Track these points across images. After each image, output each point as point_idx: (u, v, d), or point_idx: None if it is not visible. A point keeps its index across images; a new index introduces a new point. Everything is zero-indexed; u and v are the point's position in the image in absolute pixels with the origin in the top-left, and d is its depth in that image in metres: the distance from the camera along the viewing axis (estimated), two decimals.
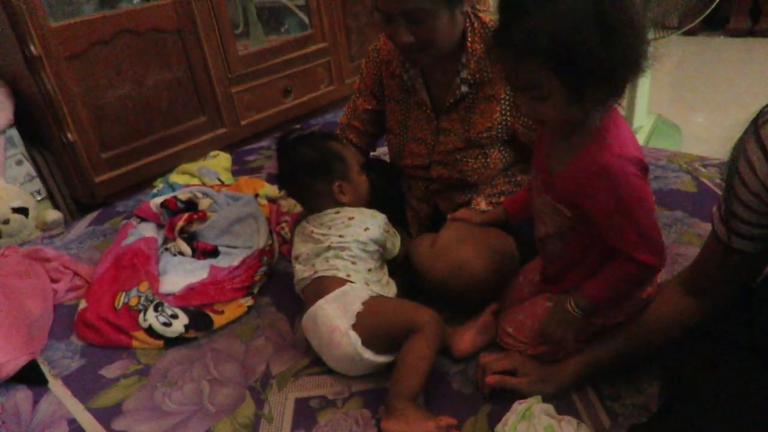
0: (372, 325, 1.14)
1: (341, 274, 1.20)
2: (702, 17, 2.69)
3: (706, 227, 1.42)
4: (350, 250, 1.22)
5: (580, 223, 1.00)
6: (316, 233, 1.25)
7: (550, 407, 1.02)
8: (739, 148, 0.80)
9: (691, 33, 3.14)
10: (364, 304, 1.16)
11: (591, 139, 0.92)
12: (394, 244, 1.30)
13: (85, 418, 1.20)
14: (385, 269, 1.30)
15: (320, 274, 1.21)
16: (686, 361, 0.89)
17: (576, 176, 0.94)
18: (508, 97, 1.30)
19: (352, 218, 1.25)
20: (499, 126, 1.31)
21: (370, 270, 1.24)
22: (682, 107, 2.60)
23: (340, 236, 1.23)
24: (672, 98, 2.80)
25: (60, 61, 1.88)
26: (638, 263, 0.94)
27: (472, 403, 1.11)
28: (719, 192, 0.95)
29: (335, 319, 1.15)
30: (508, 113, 1.31)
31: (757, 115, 0.77)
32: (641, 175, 0.90)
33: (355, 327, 1.14)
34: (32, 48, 1.81)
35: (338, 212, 1.27)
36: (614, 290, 0.99)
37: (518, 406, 1.02)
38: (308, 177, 1.27)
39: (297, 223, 1.36)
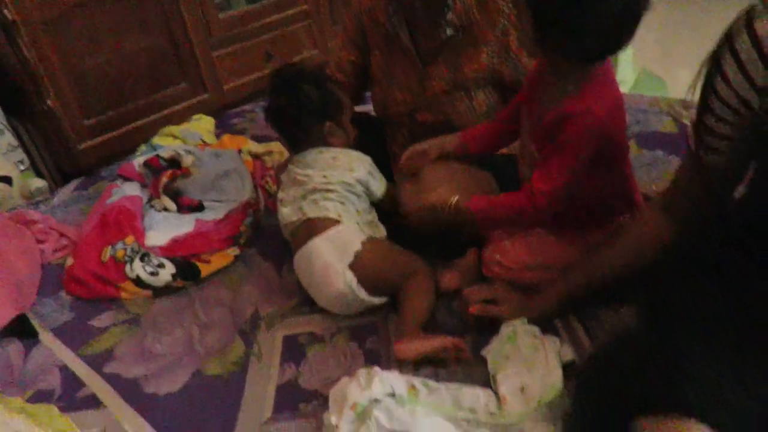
0: (369, 267, 1.15)
1: (332, 215, 1.20)
2: None
3: None
4: (337, 191, 1.22)
5: None
6: (300, 175, 1.25)
7: (535, 329, 1.04)
8: (720, 53, 0.80)
9: None
10: (362, 244, 1.17)
11: (572, 91, 0.98)
12: (379, 186, 1.30)
13: (77, 365, 1.21)
14: (374, 212, 1.31)
15: (309, 215, 1.21)
16: (662, 281, 0.91)
17: (549, 121, 1.00)
18: (495, 41, 1.30)
19: (336, 158, 1.25)
20: (486, 69, 1.31)
21: (359, 211, 1.25)
22: (667, 61, 2.60)
23: (324, 176, 1.23)
24: (658, 53, 2.80)
25: (36, 27, 1.85)
26: (529, 195, 1.03)
27: (456, 333, 1.13)
28: None
29: (331, 257, 1.16)
30: (495, 57, 1.30)
31: (748, 10, 0.76)
32: (596, 134, 0.98)
33: (351, 266, 1.15)
34: (6, 13, 1.79)
35: (321, 152, 1.26)
36: (493, 212, 1.10)
37: (505, 329, 1.05)
38: (302, 114, 1.24)
39: (282, 168, 1.36)
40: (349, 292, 1.15)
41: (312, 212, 1.21)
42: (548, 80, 1.05)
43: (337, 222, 1.19)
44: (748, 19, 0.73)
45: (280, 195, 1.30)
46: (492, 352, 1.03)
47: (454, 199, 1.12)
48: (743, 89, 0.76)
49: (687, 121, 1.77)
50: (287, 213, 1.26)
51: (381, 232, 1.28)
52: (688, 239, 0.93)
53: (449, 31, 1.29)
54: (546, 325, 1.08)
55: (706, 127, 0.85)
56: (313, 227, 1.20)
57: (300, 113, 1.24)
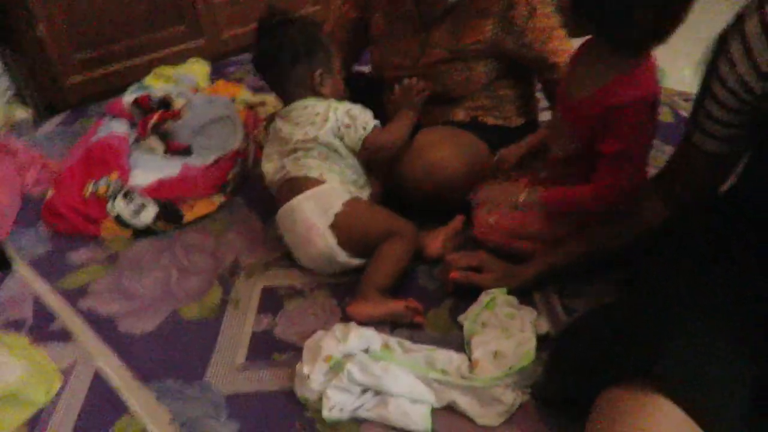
0: (350, 227, 1.14)
1: (314, 174, 1.18)
2: None
3: None
4: (318, 148, 1.19)
5: (587, 150, 1.03)
6: (284, 131, 1.21)
7: (513, 299, 1.05)
8: (719, 49, 0.79)
9: None
10: (344, 205, 1.15)
11: (618, 73, 0.95)
12: (353, 140, 1.19)
13: (51, 298, 1.20)
14: (362, 170, 1.27)
15: (293, 174, 1.19)
16: (652, 261, 0.91)
17: (600, 105, 0.97)
18: (500, 13, 1.27)
19: (318, 114, 1.20)
20: (490, 41, 1.28)
21: (342, 170, 1.22)
22: (668, 52, 2.57)
23: (305, 133, 1.18)
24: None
25: None
26: (606, 188, 1.01)
27: (436, 297, 1.13)
28: None
29: (313, 217, 1.14)
30: (499, 28, 1.27)
31: (739, 12, 0.75)
32: (652, 118, 0.98)
33: (332, 227, 1.14)
34: None
35: (306, 107, 1.21)
36: (567, 205, 1.07)
37: (484, 297, 1.05)
38: (290, 60, 1.19)
39: (270, 121, 1.33)
40: (329, 252, 1.14)
41: (294, 170, 1.19)
42: (587, 62, 1.03)
43: (319, 181, 1.17)
44: (760, 5, 0.72)
45: (266, 150, 1.27)
46: (469, 317, 1.04)
47: (522, 195, 1.11)
48: (747, 73, 0.75)
49: (684, 112, 1.77)
50: (270, 169, 1.24)
51: (366, 192, 1.25)
52: (679, 224, 0.94)
53: None
54: (525, 298, 1.08)
55: (705, 110, 0.84)
56: (295, 185, 1.18)
57: (282, 57, 1.19)
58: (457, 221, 1.24)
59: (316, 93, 1.22)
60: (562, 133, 1.09)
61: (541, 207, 1.10)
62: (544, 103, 1.55)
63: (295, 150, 1.20)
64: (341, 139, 1.20)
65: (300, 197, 1.16)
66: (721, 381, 0.63)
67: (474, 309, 1.05)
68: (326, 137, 1.18)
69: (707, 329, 0.66)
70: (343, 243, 1.14)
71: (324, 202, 1.15)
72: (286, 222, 1.19)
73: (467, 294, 1.08)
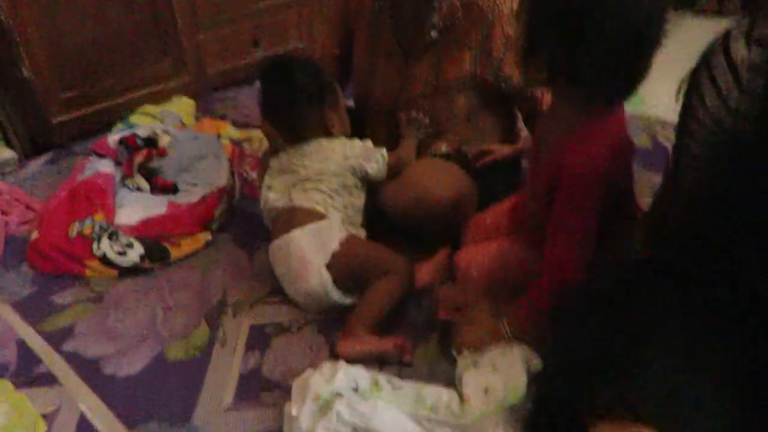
0: (346, 266, 1.14)
1: (319, 208, 1.19)
2: None
3: (658, 179, 1.46)
4: (329, 182, 1.20)
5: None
6: (295, 163, 1.23)
7: None
8: (697, 74, 0.81)
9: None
10: (341, 243, 1.16)
11: (571, 133, 0.90)
12: (377, 168, 1.24)
13: (35, 340, 1.18)
14: (362, 211, 1.27)
15: (297, 204, 1.19)
16: (630, 290, 0.92)
17: (548, 166, 0.95)
18: (478, 46, 1.30)
19: (334, 150, 1.23)
20: (468, 74, 1.31)
21: (346, 207, 1.23)
22: (647, 80, 2.64)
23: (319, 167, 1.21)
24: None
25: None
26: (560, 268, 0.94)
27: (424, 331, 1.14)
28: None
29: (309, 253, 1.14)
30: (478, 62, 1.31)
31: (725, 34, 0.77)
32: (598, 184, 0.89)
33: (328, 266, 1.13)
34: None
35: (321, 143, 1.24)
36: (542, 302, 0.98)
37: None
38: (303, 104, 1.22)
39: (268, 157, 1.33)
40: (322, 291, 1.14)
41: (299, 200, 1.20)
42: (552, 116, 0.99)
43: (321, 216, 1.18)
44: (724, 42, 0.74)
45: (268, 181, 1.27)
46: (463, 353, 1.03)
47: (505, 326, 1.03)
48: (718, 111, 0.77)
49: (662, 139, 1.81)
50: (273, 198, 1.24)
51: (362, 234, 1.26)
52: (665, 258, 0.94)
53: (434, 34, 1.29)
54: None
55: (684, 147, 0.86)
56: (296, 216, 1.18)
57: (297, 102, 1.22)
58: (442, 254, 1.25)
59: (327, 132, 1.25)
60: (534, 189, 1.05)
61: (530, 320, 1.01)
62: (526, 132, 1.58)
63: (305, 181, 1.21)
64: (359, 174, 1.23)
65: (298, 231, 1.16)
66: (700, 407, 0.63)
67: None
68: (342, 172, 1.21)
69: (680, 361, 0.67)
70: (337, 281, 1.14)
71: (322, 239, 1.15)
72: (281, 255, 1.19)
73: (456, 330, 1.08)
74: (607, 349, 0.71)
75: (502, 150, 1.36)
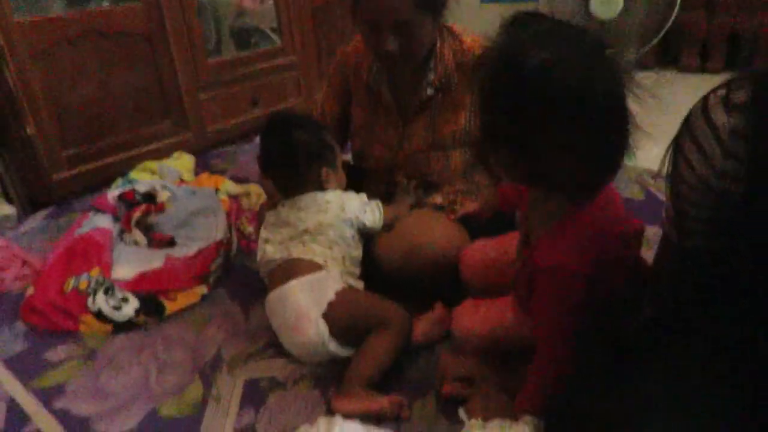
0: (342, 317, 1.13)
1: (318, 260, 1.19)
2: (647, 48, 2.84)
3: (652, 230, 1.48)
4: (327, 234, 1.22)
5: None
6: (293, 217, 1.24)
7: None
8: (681, 139, 0.83)
9: (646, 67, 3.31)
10: (336, 294, 1.15)
11: (552, 228, 0.84)
12: (373, 219, 1.27)
13: (25, 398, 1.16)
14: (359, 263, 1.28)
15: (295, 256, 1.20)
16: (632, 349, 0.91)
17: (527, 265, 0.89)
18: (473, 104, 1.34)
19: (330, 202, 1.25)
20: (464, 131, 1.35)
21: (345, 258, 1.24)
22: (636, 134, 2.70)
23: (317, 220, 1.22)
24: None
25: (24, 57, 1.86)
26: (550, 363, 0.88)
27: (421, 387, 1.12)
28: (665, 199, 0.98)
29: (305, 305, 1.14)
30: (472, 120, 1.35)
31: (705, 98, 0.80)
32: (575, 291, 0.81)
33: (325, 316, 1.13)
34: None
35: (316, 196, 1.26)
36: (544, 389, 0.89)
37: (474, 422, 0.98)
38: (301, 160, 1.24)
39: (265, 209, 1.34)
40: (319, 342, 1.13)
41: (297, 252, 1.20)
42: (532, 203, 0.91)
43: (320, 267, 1.18)
44: (704, 106, 0.76)
45: (265, 235, 1.28)
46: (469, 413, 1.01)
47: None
48: (705, 172, 0.79)
49: (654, 190, 1.84)
50: (271, 251, 1.24)
51: (360, 286, 1.27)
52: (663, 315, 0.93)
53: (429, 91, 1.34)
54: None
55: (680, 213, 0.87)
56: (294, 268, 1.18)
57: (295, 159, 1.25)
58: (438, 310, 1.24)
59: (322, 188, 1.27)
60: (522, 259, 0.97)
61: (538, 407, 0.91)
62: None
63: (303, 234, 1.22)
64: (357, 226, 1.26)
65: (294, 282, 1.16)
66: None
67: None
68: (339, 224, 1.23)
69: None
70: (334, 332, 1.13)
71: (318, 290, 1.15)
72: (277, 306, 1.18)
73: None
74: (612, 401, 0.71)
75: (473, 206, 1.32)
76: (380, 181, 1.48)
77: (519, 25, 0.78)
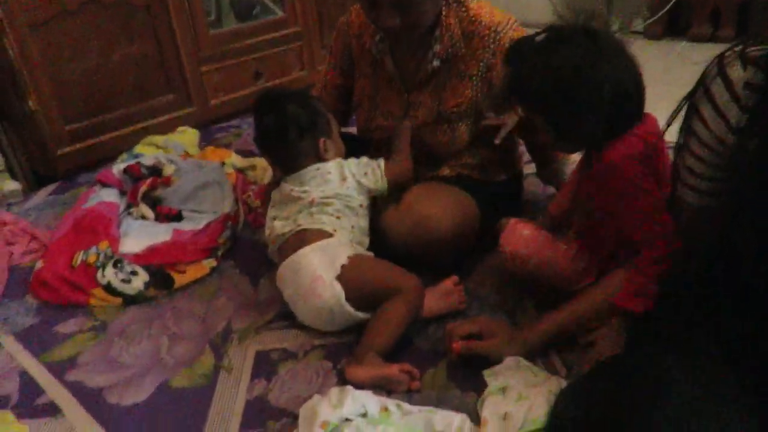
0: (355, 281, 1.13)
1: (327, 228, 1.19)
2: (657, 16, 2.79)
3: None
4: (334, 205, 1.21)
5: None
6: (296, 191, 1.23)
7: (538, 369, 1.02)
8: (696, 96, 0.82)
9: (655, 38, 3.25)
10: (349, 258, 1.15)
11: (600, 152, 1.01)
12: (376, 179, 1.27)
13: (38, 371, 1.17)
14: (367, 232, 1.28)
15: (305, 226, 1.20)
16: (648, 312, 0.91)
17: (587, 184, 1.06)
18: (479, 75, 1.32)
19: (331, 172, 1.24)
20: (470, 102, 1.33)
21: (353, 227, 1.23)
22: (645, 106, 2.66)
23: (321, 191, 1.22)
24: None
25: (23, 29, 1.83)
26: (650, 256, 0.98)
27: (431, 357, 1.12)
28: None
29: (319, 269, 1.14)
30: (479, 90, 1.32)
31: (720, 56, 0.79)
32: (640, 167, 0.97)
33: (338, 278, 1.13)
34: None
35: (318, 169, 1.25)
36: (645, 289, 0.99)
37: (494, 383, 1.00)
38: (295, 134, 1.23)
39: (272, 186, 1.33)
40: (336, 303, 1.12)
41: (306, 223, 1.20)
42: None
43: (330, 235, 1.18)
44: (720, 64, 0.77)
45: (273, 213, 1.28)
46: (493, 374, 1.02)
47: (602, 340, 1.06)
48: (719, 129, 0.79)
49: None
50: (279, 226, 1.24)
51: (371, 255, 1.26)
52: (674, 278, 0.94)
53: (435, 63, 1.31)
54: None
55: (685, 167, 0.87)
56: (304, 238, 1.18)
57: (289, 133, 1.23)
58: (449, 281, 1.24)
59: (321, 159, 1.26)
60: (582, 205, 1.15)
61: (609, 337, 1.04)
62: (527, 156, 1.59)
63: (310, 205, 1.21)
64: (362, 192, 1.26)
65: (307, 249, 1.16)
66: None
67: (501, 370, 1.03)
68: (346, 192, 1.23)
69: (700, 392, 0.66)
70: (348, 296, 1.13)
71: (331, 254, 1.15)
72: (290, 274, 1.18)
73: (474, 360, 1.05)
74: (629, 382, 0.71)
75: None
76: (386, 151, 1.46)
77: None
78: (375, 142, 1.47)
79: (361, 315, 1.15)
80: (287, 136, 1.23)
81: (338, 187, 1.23)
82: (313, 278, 1.13)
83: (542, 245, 1.17)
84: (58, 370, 1.16)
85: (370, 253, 1.25)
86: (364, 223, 1.26)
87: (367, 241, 1.27)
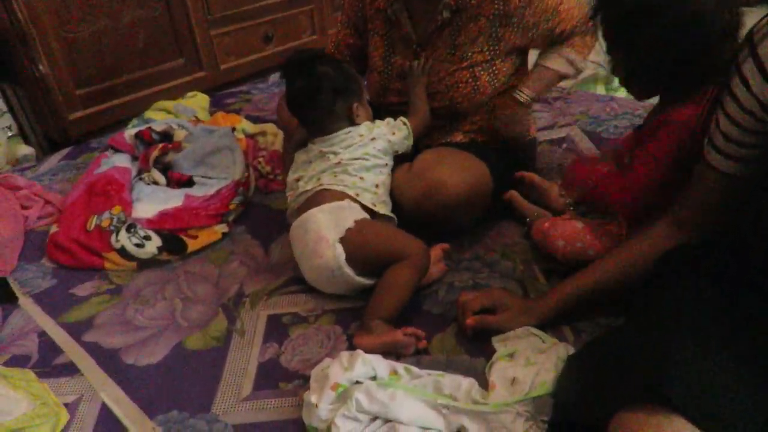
0: (359, 244, 1.13)
1: (350, 191, 1.19)
2: None
3: None
4: (359, 164, 1.22)
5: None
6: (325, 152, 1.23)
7: (547, 336, 1.03)
8: (733, 69, 0.80)
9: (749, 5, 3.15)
10: (356, 222, 1.15)
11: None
12: (403, 141, 1.29)
13: (56, 332, 1.19)
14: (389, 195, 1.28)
15: (326, 186, 1.20)
16: (658, 281, 0.90)
17: (660, 122, 1.10)
18: (488, 26, 1.29)
19: (363, 135, 1.24)
20: (489, 34, 1.31)
21: (377, 186, 1.24)
22: None
23: (350, 153, 1.22)
24: None
25: None
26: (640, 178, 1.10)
27: (440, 322, 1.13)
28: None
29: (324, 229, 1.14)
30: (497, 22, 1.30)
31: (750, 32, 0.76)
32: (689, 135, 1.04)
33: (342, 241, 1.13)
34: None
35: (349, 132, 1.24)
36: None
37: (502, 350, 1.01)
38: (329, 97, 1.21)
39: (295, 149, 1.32)
40: (335, 266, 1.13)
41: (329, 183, 1.20)
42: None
43: (344, 196, 1.18)
44: (749, 36, 0.74)
45: (296, 174, 1.27)
46: (502, 343, 1.03)
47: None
48: (761, 92, 0.75)
49: None
50: (303, 184, 1.24)
51: (393, 217, 1.27)
52: (696, 249, 0.92)
53: (446, 14, 1.29)
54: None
55: (720, 131, 0.84)
56: (322, 197, 1.19)
57: (324, 96, 1.21)
58: (438, 248, 1.25)
59: (353, 122, 1.26)
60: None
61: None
62: (540, 122, 1.57)
63: (335, 166, 1.22)
64: (389, 152, 1.28)
65: (315, 209, 1.17)
66: (730, 396, 0.63)
67: (510, 336, 1.04)
68: (374, 153, 1.24)
69: (710, 351, 0.66)
70: (350, 259, 1.13)
71: (338, 217, 1.15)
72: (299, 233, 1.19)
73: (487, 332, 1.06)
74: (639, 344, 0.71)
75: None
76: (401, 114, 1.44)
77: None
78: (389, 107, 1.45)
79: (360, 279, 1.15)
80: (321, 99, 1.22)
81: (370, 149, 1.24)
82: (318, 238, 1.14)
83: (594, 236, 1.19)
84: (76, 331, 1.19)
85: (393, 217, 1.25)
86: (388, 180, 1.27)
87: (390, 200, 1.27)
